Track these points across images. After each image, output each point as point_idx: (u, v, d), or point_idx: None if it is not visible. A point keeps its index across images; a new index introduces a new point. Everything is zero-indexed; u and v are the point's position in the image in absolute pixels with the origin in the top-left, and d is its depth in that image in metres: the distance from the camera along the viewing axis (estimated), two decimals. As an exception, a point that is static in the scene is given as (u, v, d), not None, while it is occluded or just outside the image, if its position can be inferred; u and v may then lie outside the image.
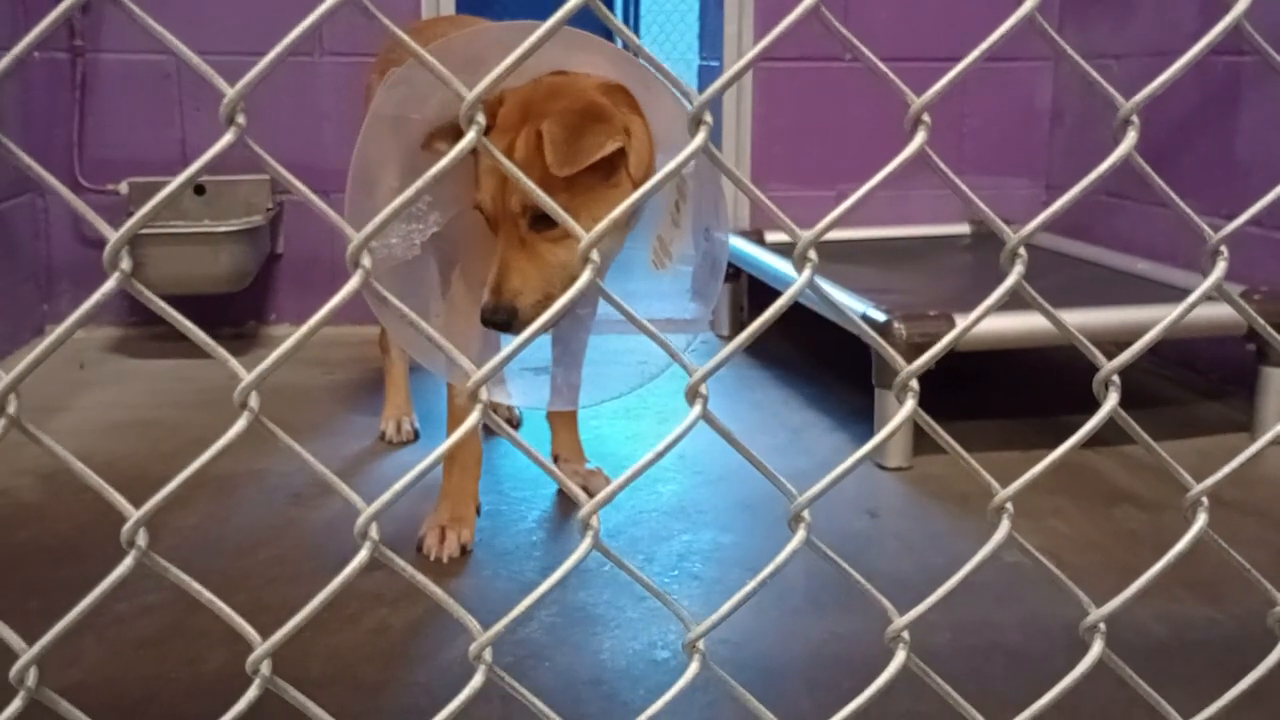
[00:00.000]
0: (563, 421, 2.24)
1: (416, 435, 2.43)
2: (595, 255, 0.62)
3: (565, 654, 1.54)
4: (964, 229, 3.45)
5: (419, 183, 0.60)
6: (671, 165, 0.63)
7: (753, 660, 1.54)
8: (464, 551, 1.87)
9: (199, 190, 3.16)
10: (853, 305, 2.39)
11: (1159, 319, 0.77)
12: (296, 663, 1.49)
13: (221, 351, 0.58)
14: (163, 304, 0.57)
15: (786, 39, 0.61)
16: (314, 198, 0.59)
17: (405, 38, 0.64)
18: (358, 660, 1.51)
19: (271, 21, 2.63)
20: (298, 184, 0.58)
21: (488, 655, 0.67)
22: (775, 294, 0.83)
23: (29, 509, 2.02)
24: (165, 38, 0.60)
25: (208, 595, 0.61)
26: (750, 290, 3.30)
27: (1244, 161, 2.74)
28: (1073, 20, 3.32)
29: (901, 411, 0.72)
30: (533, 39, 0.59)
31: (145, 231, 2.98)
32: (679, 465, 2.24)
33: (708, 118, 0.62)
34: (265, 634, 0.67)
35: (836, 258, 3.01)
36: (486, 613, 0.69)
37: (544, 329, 0.64)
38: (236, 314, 3.31)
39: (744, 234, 3.28)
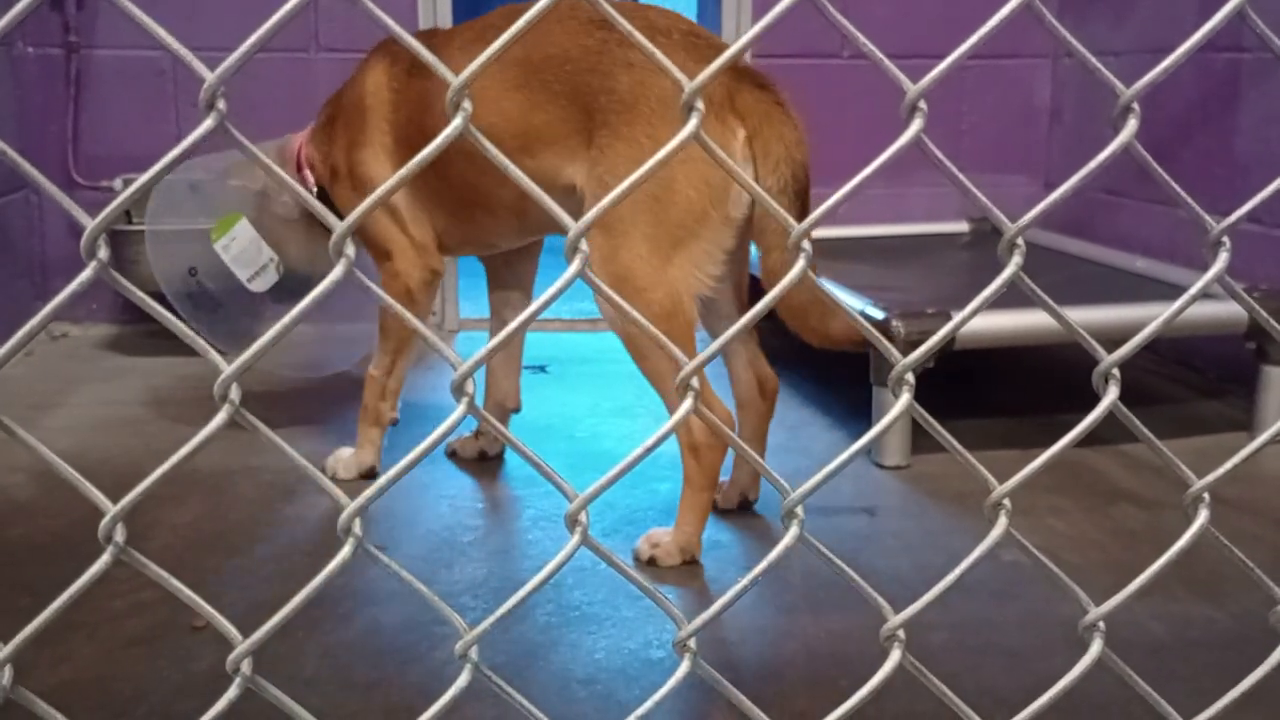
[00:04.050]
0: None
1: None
2: (584, 245, 0.61)
3: (560, 653, 1.52)
4: (963, 227, 3.44)
5: (409, 165, 0.58)
6: (668, 148, 0.62)
7: (750, 659, 1.53)
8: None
9: (194, 187, 3.14)
10: (851, 303, 2.38)
11: (1157, 316, 0.76)
12: (290, 661, 1.47)
13: (201, 343, 0.57)
14: (142, 295, 0.56)
15: (786, 35, 0.59)
16: (293, 183, 0.58)
17: (397, 29, 0.63)
18: (351, 659, 1.50)
19: (267, 18, 2.61)
20: (276, 169, 0.57)
21: (474, 654, 0.65)
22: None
23: (21, 506, 2.00)
24: (149, 26, 0.59)
25: (187, 593, 0.60)
26: (751, 288, 3.28)
27: (1243, 158, 2.73)
28: (1072, 15, 3.31)
29: (897, 405, 0.71)
30: (518, 25, 0.58)
31: (139, 228, 2.96)
32: (675, 465, 2.22)
33: (699, 104, 0.60)
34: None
35: (835, 255, 2.99)
36: (479, 612, 0.68)
37: (534, 316, 0.62)
38: (232, 311, 3.30)
39: (742, 231, 3.27)
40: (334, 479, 2.10)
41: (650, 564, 1.81)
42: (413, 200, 2.07)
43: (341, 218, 0.59)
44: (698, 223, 1.76)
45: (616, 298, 0.68)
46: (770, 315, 0.68)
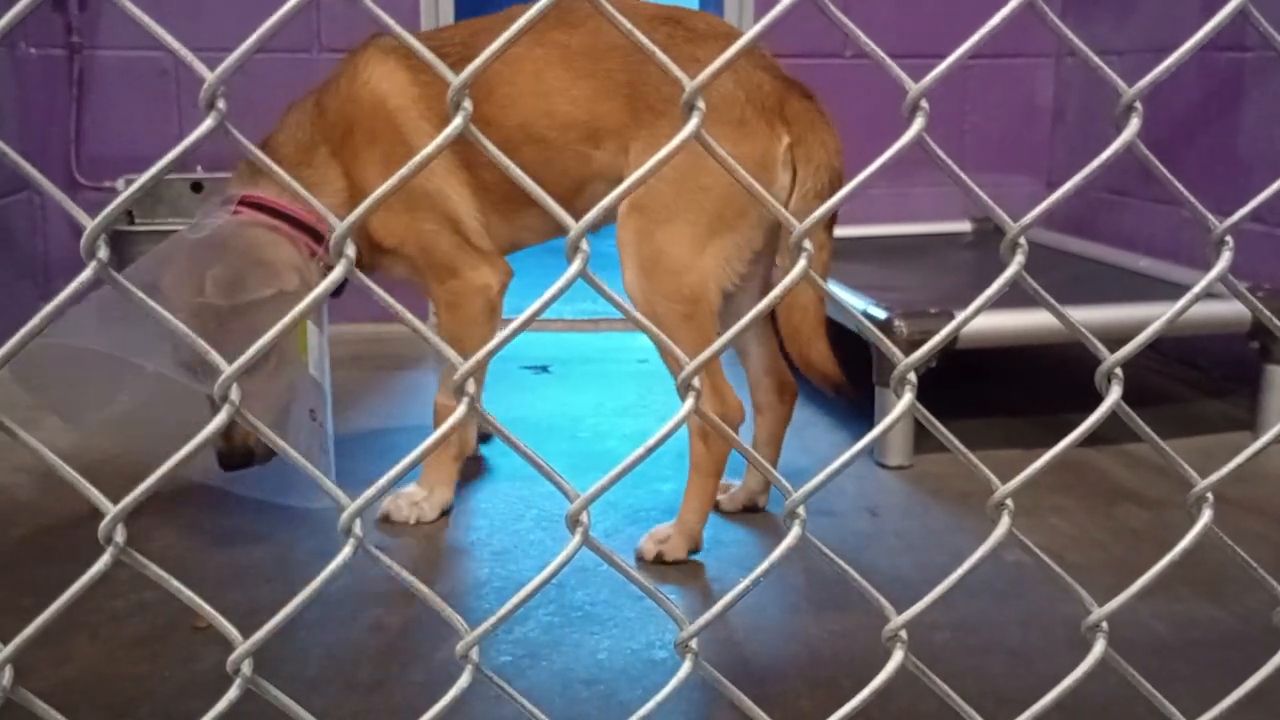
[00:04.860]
0: None
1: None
2: (585, 244, 0.61)
3: (562, 653, 1.52)
4: (965, 226, 3.44)
5: (407, 167, 0.58)
6: (670, 146, 0.61)
7: (751, 659, 1.53)
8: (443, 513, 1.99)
9: (196, 188, 3.15)
10: (853, 302, 2.37)
11: (1160, 316, 0.76)
12: (292, 661, 1.47)
13: (202, 344, 0.57)
14: (141, 295, 0.56)
15: (787, 34, 0.59)
16: (296, 185, 0.58)
17: (399, 29, 0.63)
18: (354, 659, 1.50)
19: (269, 18, 2.60)
20: (278, 170, 0.57)
21: (474, 655, 0.65)
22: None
23: (24, 506, 2.01)
24: (151, 27, 0.59)
25: (188, 594, 0.60)
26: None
27: (1246, 157, 2.72)
28: (1074, 15, 3.30)
29: (900, 404, 0.71)
30: (517, 26, 0.58)
31: (141, 229, 2.97)
32: (678, 464, 2.22)
33: (700, 103, 0.60)
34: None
35: (837, 255, 2.97)
36: (482, 612, 0.68)
37: (535, 315, 0.62)
38: (234, 311, 3.29)
39: (744, 231, 3.27)
40: (418, 523, 1.95)
41: (658, 561, 1.81)
42: (473, 207, 1.94)
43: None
44: (737, 217, 1.81)
45: (618, 299, 0.68)
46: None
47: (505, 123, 1.86)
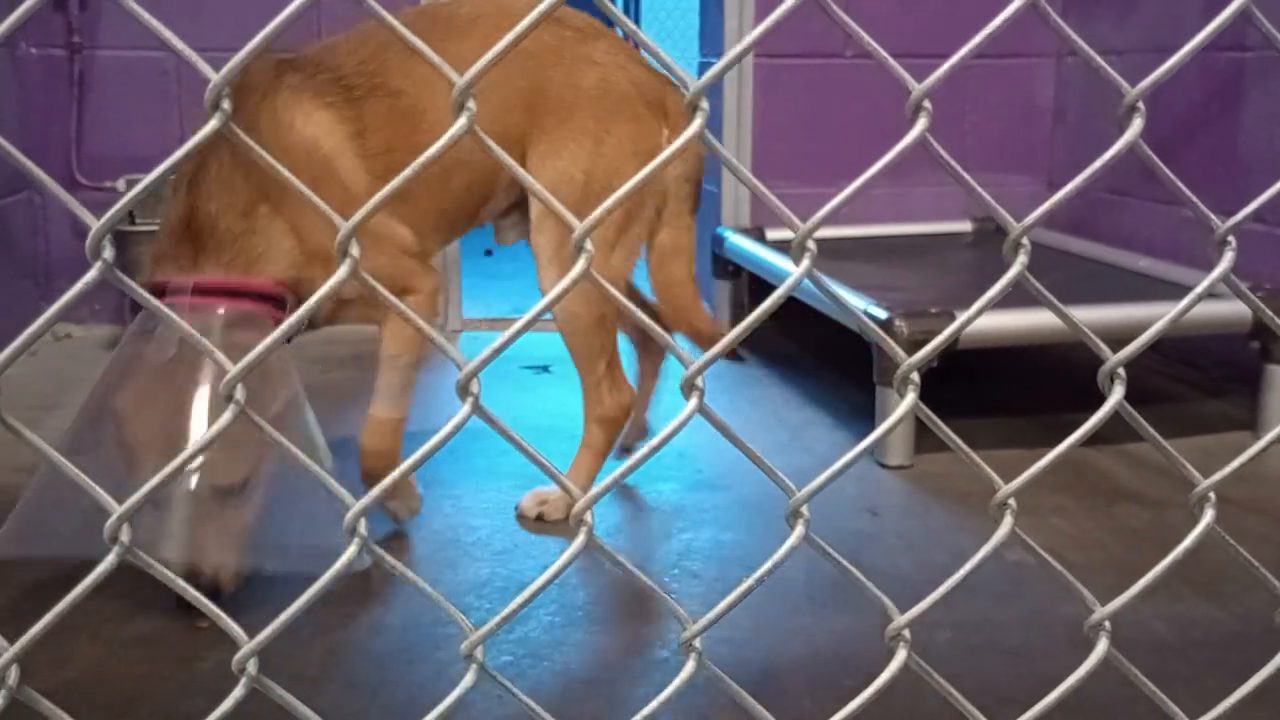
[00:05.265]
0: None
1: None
2: (589, 245, 0.61)
3: (564, 653, 1.52)
4: (966, 226, 3.44)
5: (419, 161, 0.58)
6: (676, 145, 0.61)
7: (753, 659, 1.53)
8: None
9: (197, 187, 3.15)
10: (854, 302, 2.38)
11: (1160, 316, 0.76)
12: (294, 661, 1.48)
13: (206, 344, 0.57)
14: (146, 294, 0.56)
15: (789, 35, 0.59)
16: (299, 184, 0.58)
17: (404, 30, 0.63)
18: (355, 659, 1.50)
19: (272, 18, 2.58)
20: (282, 169, 0.57)
21: (479, 654, 0.65)
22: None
23: (25, 507, 2.00)
24: (154, 26, 0.59)
25: (193, 593, 0.60)
26: (751, 288, 3.29)
27: (1247, 158, 2.73)
28: (1075, 14, 3.30)
29: (902, 405, 0.71)
30: (521, 26, 0.58)
31: (142, 229, 2.97)
32: (679, 464, 2.23)
33: (704, 104, 0.60)
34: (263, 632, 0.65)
35: (839, 255, 2.99)
36: (483, 612, 0.68)
37: (539, 315, 0.62)
38: (235, 311, 3.29)
39: (744, 231, 3.27)
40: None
41: (539, 520, 1.97)
42: (409, 232, 1.84)
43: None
44: (638, 211, 1.93)
45: (622, 299, 0.68)
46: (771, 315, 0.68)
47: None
